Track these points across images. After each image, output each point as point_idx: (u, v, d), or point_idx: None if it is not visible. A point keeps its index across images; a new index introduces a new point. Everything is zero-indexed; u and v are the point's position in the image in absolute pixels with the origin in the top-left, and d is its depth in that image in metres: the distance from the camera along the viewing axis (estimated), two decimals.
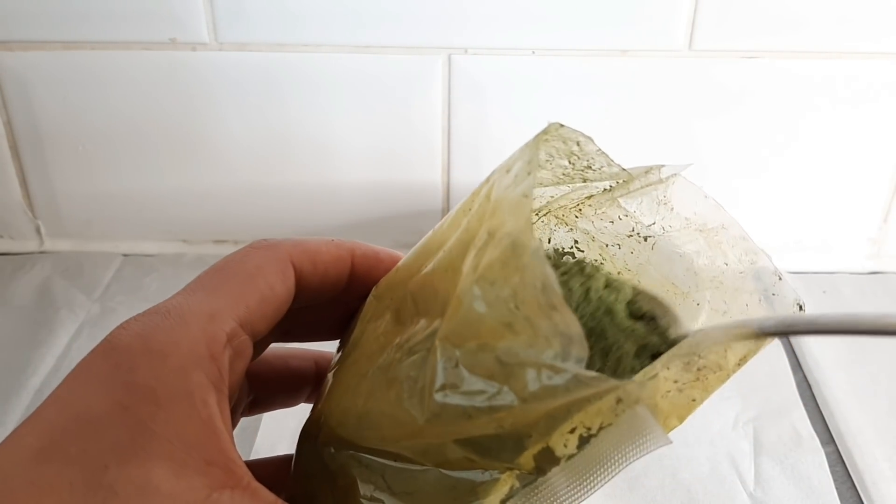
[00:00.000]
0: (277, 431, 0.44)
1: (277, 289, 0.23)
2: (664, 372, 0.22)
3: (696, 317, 0.24)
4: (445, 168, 0.58)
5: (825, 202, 0.58)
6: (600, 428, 0.21)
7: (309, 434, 0.24)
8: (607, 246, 0.26)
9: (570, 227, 0.26)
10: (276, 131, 0.57)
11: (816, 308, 0.55)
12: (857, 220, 0.59)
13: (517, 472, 0.21)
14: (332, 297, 0.25)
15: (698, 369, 0.23)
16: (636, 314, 0.24)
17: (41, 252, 0.61)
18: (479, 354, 0.19)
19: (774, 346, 0.51)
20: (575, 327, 0.18)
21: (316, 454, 0.23)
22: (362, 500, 0.22)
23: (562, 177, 0.24)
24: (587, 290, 0.23)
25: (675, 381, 0.23)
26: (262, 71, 0.54)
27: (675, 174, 0.25)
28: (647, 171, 0.25)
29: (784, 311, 0.23)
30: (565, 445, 0.21)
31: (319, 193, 0.59)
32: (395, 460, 0.22)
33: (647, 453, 0.20)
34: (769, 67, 0.53)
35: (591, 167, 0.24)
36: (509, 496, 0.21)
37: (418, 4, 0.51)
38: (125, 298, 0.56)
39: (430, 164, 0.58)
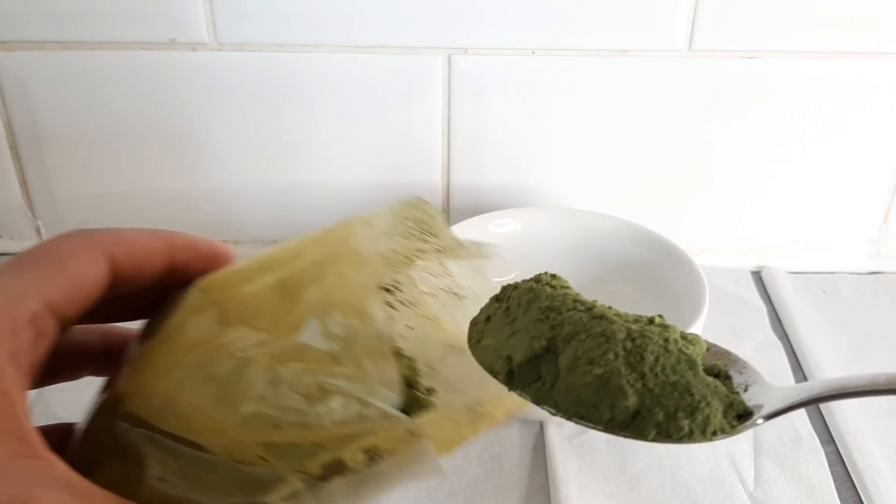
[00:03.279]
0: None
1: (88, 275, 0.23)
2: (446, 410, 0.25)
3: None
4: (445, 168, 0.58)
5: (825, 202, 0.58)
6: (388, 452, 0.24)
7: (107, 407, 0.24)
8: (423, 293, 0.29)
9: (395, 269, 0.29)
10: (276, 131, 0.57)
11: (816, 308, 0.55)
12: (857, 220, 0.59)
13: (304, 475, 0.23)
14: (150, 285, 0.26)
15: (476, 415, 0.26)
16: (711, 371, 0.25)
17: None
18: (302, 376, 0.22)
19: (775, 346, 0.51)
20: (393, 375, 0.21)
21: (109, 427, 0.24)
22: (150, 479, 0.23)
23: (405, 234, 0.28)
24: (666, 341, 0.24)
25: (453, 420, 0.26)
26: (261, 71, 0.54)
27: (495, 250, 0.29)
28: (479, 246, 0.29)
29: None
30: (354, 460, 0.23)
31: (319, 193, 0.59)
32: (192, 447, 0.23)
33: (422, 480, 0.23)
34: (769, 67, 0.53)
35: (435, 235, 0.28)
36: (293, 495, 0.23)
37: (418, 4, 0.51)
38: None
39: (430, 164, 0.58)
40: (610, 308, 0.26)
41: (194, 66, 0.54)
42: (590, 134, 0.56)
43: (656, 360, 0.23)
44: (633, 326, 0.24)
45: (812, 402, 0.23)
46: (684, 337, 0.25)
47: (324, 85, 0.55)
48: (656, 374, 0.23)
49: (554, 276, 0.29)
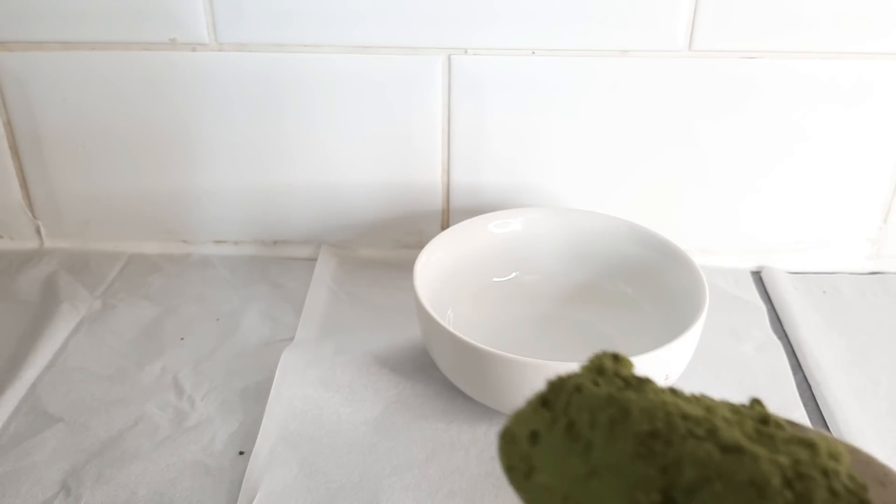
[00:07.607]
0: (276, 433, 0.44)
1: None
2: None
3: None
4: (445, 168, 0.58)
5: (825, 202, 0.58)
6: None
7: None
8: None
9: None
10: (276, 132, 0.57)
11: (816, 308, 0.55)
12: (857, 220, 0.59)
13: None
14: None
15: None
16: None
17: (41, 252, 0.61)
18: None
19: (775, 346, 0.51)
20: None
21: None
22: None
23: None
24: (825, 474, 0.17)
25: None
26: (261, 71, 0.54)
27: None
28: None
29: None
30: None
31: (319, 193, 0.59)
32: None
33: None
34: (769, 67, 0.53)
35: None
36: None
37: (418, 4, 0.51)
38: (127, 296, 0.56)
39: (430, 164, 0.58)
40: (716, 407, 0.18)
41: (194, 67, 0.54)
42: (590, 134, 0.56)
43: None
44: (782, 460, 0.17)
45: None
46: (828, 452, 0.18)
47: (324, 85, 0.55)
48: None
49: (616, 357, 0.20)
